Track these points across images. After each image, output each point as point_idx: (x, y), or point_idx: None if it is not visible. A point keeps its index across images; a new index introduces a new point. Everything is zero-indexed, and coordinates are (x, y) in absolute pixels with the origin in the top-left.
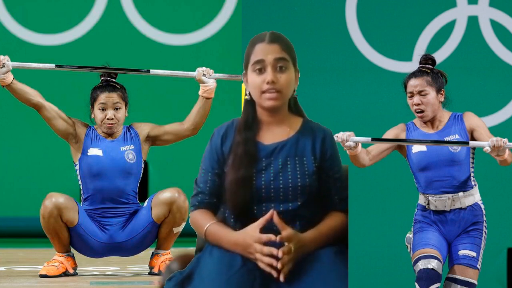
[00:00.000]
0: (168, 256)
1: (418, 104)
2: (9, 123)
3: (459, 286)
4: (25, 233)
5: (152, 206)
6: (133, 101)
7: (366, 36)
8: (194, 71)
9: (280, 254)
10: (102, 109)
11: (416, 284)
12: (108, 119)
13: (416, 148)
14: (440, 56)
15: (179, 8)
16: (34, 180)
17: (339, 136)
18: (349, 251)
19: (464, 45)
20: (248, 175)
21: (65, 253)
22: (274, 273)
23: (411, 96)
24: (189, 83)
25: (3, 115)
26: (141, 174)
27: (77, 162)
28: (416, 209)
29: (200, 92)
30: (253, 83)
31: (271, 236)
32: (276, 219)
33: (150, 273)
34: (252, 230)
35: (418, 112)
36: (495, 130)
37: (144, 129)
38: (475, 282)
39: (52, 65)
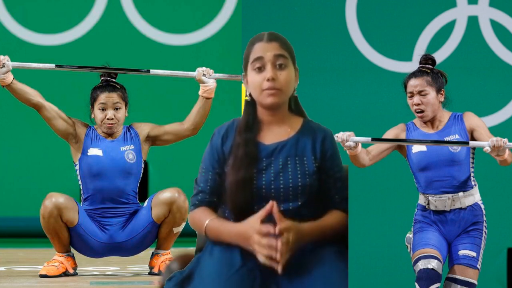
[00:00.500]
0: (168, 256)
1: (418, 104)
2: (9, 123)
3: (459, 286)
4: (25, 233)
5: (152, 206)
6: (133, 101)
7: (366, 36)
8: (194, 71)
9: (279, 245)
10: (102, 109)
11: (416, 284)
12: (108, 119)
13: (416, 148)
14: (440, 56)
15: (179, 8)
16: (34, 180)
17: (339, 136)
18: (349, 251)
19: (464, 45)
20: (249, 175)
21: (65, 253)
22: (274, 265)
23: (411, 96)
24: (189, 83)
25: (3, 115)
26: (141, 174)
27: (77, 162)
28: (416, 209)
29: (200, 92)
30: (253, 82)
31: (270, 228)
32: (274, 210)
33: (150, 273)
34: (253, 222)
35: (418, 112)
36: (495, 130)
37: (144, 129)
38: (475, 282)
39: (52, 65)
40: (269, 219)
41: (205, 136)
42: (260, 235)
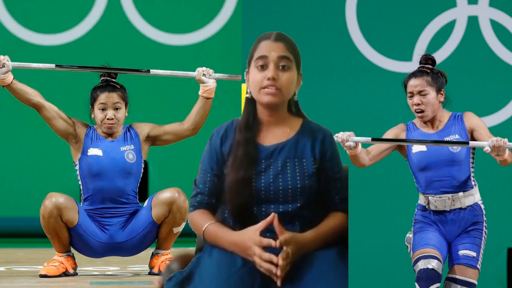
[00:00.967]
0: (168, 256)
1: (418, 104)
2: (9, 123)
3: (459, 286)
4: (25, 233)
5: (152, 206)
6: (133, 101)
7: (366, 36)
8: (194, 71)
9: (280, 261)
10: (102, 109)
11: (416, 284)
12: (108, 119)
13: (416, 148)
14: (440, 56)
15: (179, 8)
16: (34, 180)
17: (339, 136)
18: (349, 251)
19: (464, 45)
20: (248, 176)
21: (65, 253)
22: (274, 278)
23: (411, 96)
24: (189, 83)
25: (3, 115)
26: (141, 174)
27: (77, 162)
28: (416, 209)
29: (200, 92)
30: (253, 79)
31: (271, 242)
32: (275, 222)
33: (150, 273)
34: (252, 233)
35: (418, 112)
36: (495, 130)
37: (144, 129)
38: (475, 282)
39: (52, 65)
40: (268, 229)
41: (205, 136)
42: (261, 247)
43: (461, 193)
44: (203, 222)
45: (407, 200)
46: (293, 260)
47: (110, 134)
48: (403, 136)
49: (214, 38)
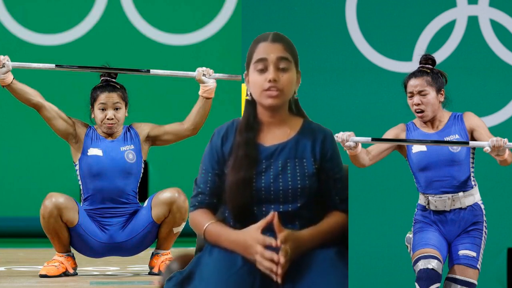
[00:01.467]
0: (168, 256)
1: (418, 104)
2: (9, 123)
3: (459, 286)
4: (25, 233)
5: (152, 206)
6: (133, 101)
7: (366, 36)
8: (194, 71)
9: (282, 260)
10: (102, 109)
11: (416, 284)
12: (108, 119)
13: (416, 148)
14: (440, 56)
15: (179, 8)
16: (34, 180)
17: (339, 136)
18: (349, 251)
19: (464, 45)
20: (248, 177)
21: (65, 253)
22: (274, 277)
23: (411, 96)
24: (189, 83)
25: (3, 115)
26: (141, 174)
27: (77, 162)
28: (416, 209)
29: (200, 92)
30: (254, 82)
31: (273, 241)
32: (275, 221)
33: (150, 273)
34: (253, 231)
35: (418, 112)
36: (495, 130)
37: (144, 129)
38: (475, 282)
39: (52, 65)
40: (268, 228)
41: (205, 136)
42: (263, 246)
43: (461, 193)
44: (204, 222)
45: (407, 200)
46: (291, 258)
47: (110, 134)
48: (403, 136)
49: (214, 38)
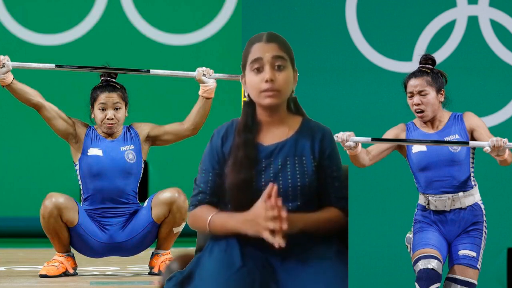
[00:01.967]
0: (168, 256)
1: (418, 104)
2: (9, 123)
3: (459, 286)
4: (25, 233)
5: (152, 206)
6: (133, 101)
7: (366, 36)
8: (194, 71)
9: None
10: (102, 109)
11: (416, 284)
12: (108, 119)
13: (416, 148)
14: (440, 56)
15: (179, 8)
16: (34, 180)
17: (339, 136)
18: (349, 251)
19: (464, 45)
20: (249, 177)
21: (65, 253)
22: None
23: (411, 96)
24: (189, 83)
25: (3, 115)
26: (141, 174)
27: (77, 162)
28: (416, 209)
29: (200, 92)
30: (251, 83)
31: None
32: (273, 192)
33: (150, 273)
34: (259, 206)
35: (418, 112)
36: (495, 130)
37: (144, 129)
38: (475, 282)
39: (52, 65)
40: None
41: (205, 136)
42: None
43: (461, 193)
44: (207, 215)
45: (407, 200)
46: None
47: (110, 134)
48: (403, 136)
49: (214, 38)
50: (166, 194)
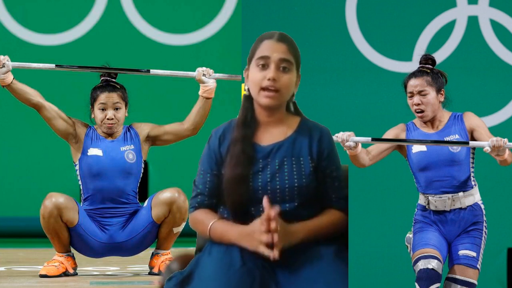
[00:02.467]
0: (168, 256)
1: (418, 104)
2: (9, 123)
3: (459, 286)
4: (25, 233)
5: (152, 206)
6: (133, 101)
7: (366, 36)
8: (194, 71)
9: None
10: (102, 109)
11: (416, 284)
12: (108, 119)
13: (416, 148)
14: (440, 56)
15: (179, 8)
16: (34, 180)
17: (339, 136)
18: (349, 251)
19: (464, 45)
20: (245, 174)
21: (65, 253)
22: (271, 254)
23: (411, 96)
24: (189, 83)
25: (3, 115)
26: (141, 174)
27: (77, 162)
28: (416, 209)
29: (200, 92)
30: (253, 78)
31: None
32: (266, 203)
33: (150, 273)
34: (258, 224)
35: (418, 112)
36: (495, 130)
37: (144, 129)
38: (475, 282)
39: (52, 65)
40: None
41: (205, 136)
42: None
43: (461, 193)
44: (208, 220)
45: (407, 200)
46: (283, 248)
47: (110, 134)
48: (403, 136)
49: (214, 38)
50: (166, 194)
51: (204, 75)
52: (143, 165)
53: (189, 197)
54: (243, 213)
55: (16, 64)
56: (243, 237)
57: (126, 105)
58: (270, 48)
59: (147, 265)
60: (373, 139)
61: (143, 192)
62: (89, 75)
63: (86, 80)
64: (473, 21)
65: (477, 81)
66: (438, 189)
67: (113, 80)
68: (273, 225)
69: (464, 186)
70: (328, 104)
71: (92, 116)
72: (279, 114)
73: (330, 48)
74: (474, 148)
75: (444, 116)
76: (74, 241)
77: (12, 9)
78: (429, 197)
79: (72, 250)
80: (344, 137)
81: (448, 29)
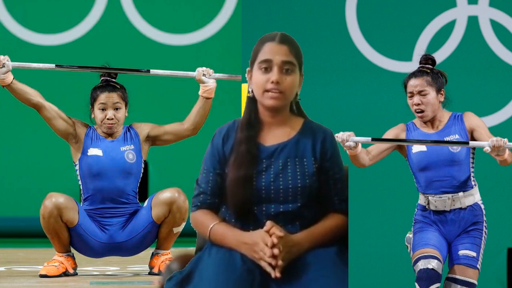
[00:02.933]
0: (168, 256)
1: (418, 104)
2: (9, 123)
3: (459, 286)
4: (25, 233)
5: (152, 206)
6: (133, 101)
7: (366, 36)
8: (194, 71)
9: (275, 251)
10: (102, 109)
11: (416, 284)
12: (108, 119)
13: (416, 148)
14: (440, 56)
15: (179, 8)
16: (34, 180)
17: (339, 136)
18: (349, 251)
19: (464, 45)
20: (249, 175)
21: (65, 253)
22: (272, 273)
23: (411, 96)
24: (189, 83)
25: (3, 115)
26: (141, 174)
27: (77, 162)
28: (416, 209)
29: (200, 92)
30: (257, 81)
31: (275, 241)
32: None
33: (150, 273)
34: (261, 232)
35: (418, 112)
36: (495, 130)
37: (144, 129)
38: (475, 282)
39: (52, 65)
40: None
41: (205, 136)
42: (266, 244)
43: (461, 193)
44: (209, 222)
45: (407, 200)
46: (287, 260)
47: (110, 134)
48: (403, 136)
49: (214, 38)
50: (166, 194)
51: (204, 75)
52: (143, 165)
53: (189, 197)
54: (246, 213)
55: (16, 64)
56: (242, 245)
57: (126, 105)
58: (272, 51)
59: (147, 265)
60: (373, 139)
61: (143, 192)
62: (89, 75)
63: (86, 80)
64: (473, 21)
65: (477, 81)
66: (438, 189)
67: (113, 80)
68: (276, 249)
69: (464, 186)
70: (328, 104)
71: (92, 116)
72: (283, 115)
73: (330, 48)
74: (474, 148)
75: (444, 116)
76: (74, 241)
77: (12, 9)
78: (429, 197)
79: (72, 250)
80: (344, 137)
81: (448, 29)
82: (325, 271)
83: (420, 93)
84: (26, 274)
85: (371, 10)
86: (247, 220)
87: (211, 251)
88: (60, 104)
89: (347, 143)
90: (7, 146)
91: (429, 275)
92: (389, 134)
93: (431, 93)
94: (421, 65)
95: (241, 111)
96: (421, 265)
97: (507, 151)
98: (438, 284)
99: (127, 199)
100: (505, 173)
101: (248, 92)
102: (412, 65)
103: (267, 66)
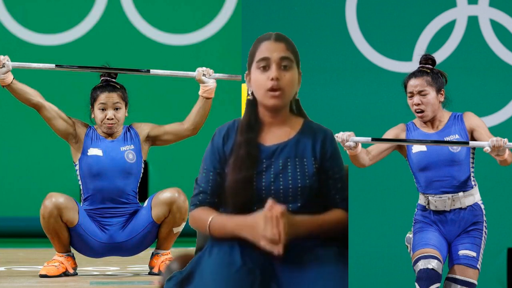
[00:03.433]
0: (168, 256)
1: (418, 104)
2: (9, 123)
3: (459, 286)
4: (25, 233)
5: (152, 206)
6: (133, 101)
7: (366, 36)
8: (194, 71)
9: (280, 226)
10: (102, 109)
11: (416, 284)
12: (108, 119)
13: (416, 148)
14: (440, 56)
15: (179, 8)
16: (34, 180)
17: (339, 136)
18: (349, 251)
19: (464, 45)
20: (249, 176)
21: (65, 253)
22: (275, 249)
23: (411, 96)
24: (189, 83)
25: (3, 115)
26: (141, 174)
27: (77, 162)
28: (416, 209)
29: (200, 92)
30: (256, 81)
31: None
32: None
33: (150, 273)
34: (261, 214)
35: (418, 112)
36: (495, 130)
37: (144, 129)
38: (475, 282)
39: (52, 65)
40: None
41: (205, 136)
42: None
43: (461, 193)
44: (207, 216)
45: (407, 200)
46: (288, 241)
47: (110, 134)
48: (403, 136)
49: (214, 38)
50: (166, 194)
51: (204, 75)
52: (143, 165)
53: (189, 197)
54: (246, 213)
55: (16, 64)
56: (244, 228)
57: (126, 105)
58: (269, 49)
59: (147, 265)
60: (373, 139)
61: (143, 192)
62: (89, 75)
63: (86, 80)
64: (473, 21)
65: (477, 81)
66: (438, 189)
67: (113, 80)
68: (280, 224)
69: (464, 186)
70: (328, 104)
71: (92, 116)
72: (283, 115)
73: (330, 48)
74: (474, 148)
75: (444, 116)
76: (74, 241)
77: (12, 9)
78: (429, 197)
79: (72, 250)
80: (344, 137)
81: (448, 29)
82: (325, 271)
83: (420, 93)
84: (26, 274)
85: (371, 10)
86: None
87: (211, 251)
88: (60, 104)
89: (347, 143)
90: (7, 146)
91: (429, 275)
92: (389, 134)
93: (431, 93)
94: (421, 65)
95: (241, 111)
96: (421, 265)
97: (507, 151)
98: (438, 284)
99: (127, 199)
100: (505, 173)
101: (248, 94)
102: (412, 65)
103: (265, 65)
